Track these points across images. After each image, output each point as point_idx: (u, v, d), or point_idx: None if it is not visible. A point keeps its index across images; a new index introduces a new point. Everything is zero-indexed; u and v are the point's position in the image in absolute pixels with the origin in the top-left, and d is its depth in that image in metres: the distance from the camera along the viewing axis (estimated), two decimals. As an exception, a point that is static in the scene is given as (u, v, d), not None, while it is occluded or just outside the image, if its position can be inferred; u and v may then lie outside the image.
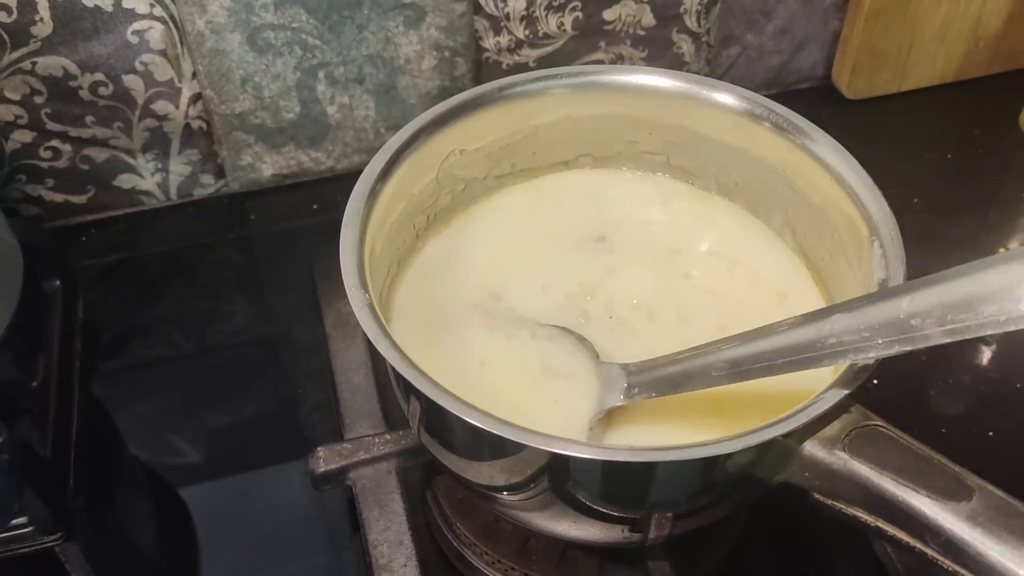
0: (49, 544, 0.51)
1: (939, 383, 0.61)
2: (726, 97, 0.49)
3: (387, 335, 0.39)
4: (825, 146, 0.47)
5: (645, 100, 0.50)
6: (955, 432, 0.58)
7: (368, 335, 0.39)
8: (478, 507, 0.50)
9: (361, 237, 0.43)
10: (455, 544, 0.51)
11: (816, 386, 0.39)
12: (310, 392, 0.62)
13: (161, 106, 0.68)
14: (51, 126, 0.66)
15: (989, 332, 0.33)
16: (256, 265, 0.72)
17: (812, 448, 0.37)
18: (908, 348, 0.35)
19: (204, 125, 0.70)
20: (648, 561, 0.47)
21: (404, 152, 0.47)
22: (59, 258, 0.61)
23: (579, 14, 0.72)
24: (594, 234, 0.53)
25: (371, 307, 0.40)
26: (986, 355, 0.64)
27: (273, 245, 0.72)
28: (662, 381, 0.42)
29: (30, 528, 0.50)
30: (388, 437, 0.52)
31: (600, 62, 0.75)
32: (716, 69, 0.79)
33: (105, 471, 0.58)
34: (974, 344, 0.64)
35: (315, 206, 0.73)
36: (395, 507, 0.49)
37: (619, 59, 0.76)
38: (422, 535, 0.51)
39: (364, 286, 0.41)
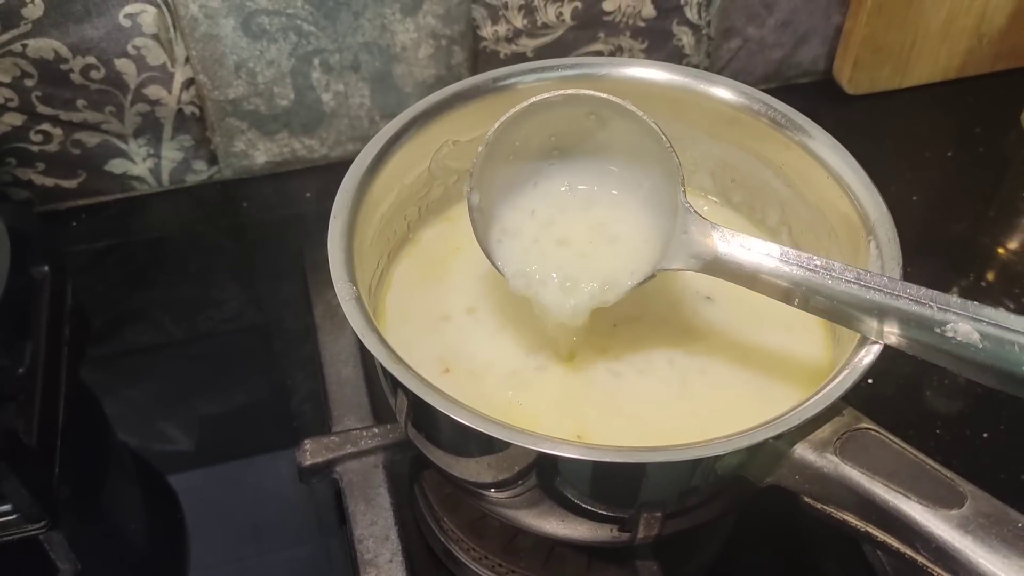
0: (33, 532, 0.51)
1: (934, 383, 0.61)
2: (723, 92, 0.48)
3: (374, 329, 0.38)
4: (823, 143, 0.46)
5: (640, 93, 0.49)
6: (949, 433, 0.58)
7: (355, 329, 0.38)
8: (466, 503, 0.50)
9: (350, 229, 0.43)
10: (442, 539, 0.51)
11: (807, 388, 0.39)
12: (301, 381, 0.61)
13: (153, 91, 0.67)
14: (42, 109, 0.66)
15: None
16: (248, 253, 0.72)
17: (803, 451, 0.37)
18: None
19: (197, 111, 0.69)
20: (636, 561, 0.47)
21: (396, 142, 0.46)
22: (48, 243, 0.61)
23: (578, 4, 0.71)
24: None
25: (358, 300, 0.39)
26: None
27: (265, 233, 0.71)
28: (743, 266, 0.40)
29: (14, 516, 0.50)
30: (376, 431, 0.51)
31: (599, 53, 0.74)
32: (716, 62, 0.78)
33: (93, 458, 0.58)
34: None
35: (308, 194, 0.73)
36: (382, 502, 0.49)
37: (618, 50, 0.75)
38: (409, 530, 0.51)
39: (352, 279, 0.40)
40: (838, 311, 0.39)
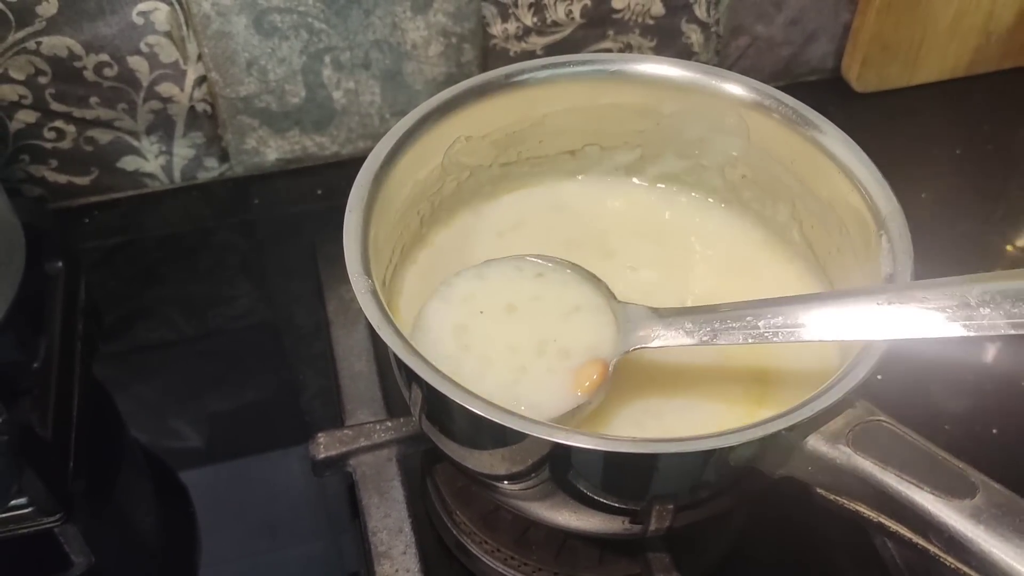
0: (49, 525, 0.51)
1: (943, 380, 0.61)
2: (735, 87, 0.49)
3: (390, 321, 0.39)
4: (834, 138, 0.47)
5: (653, 89, 0.49)
6: (958, 429, 0.58)
7: (370, 321, 0.39)
8: (478, 496, 0.50)
9: (365, 223, 0.43)
10: (455, 532, 0.51)
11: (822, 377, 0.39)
12: (312, 378, 0.62)
13: (166, 88, 0.67)
14: (55, 107, 0.66)
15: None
16: (259, 250, 0.72)
17: (816, 443, 0.37)
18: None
19: (209, 108, 0.70)
20: (648, 553, 0.47)
21: (409, 138, 0.47)
22: (62, 240, 0.61)
23: (587, 2, 0.71)
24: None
25: (374, 293, 0.40)
26: (991, 352, 0.63)
27: (276, 230, 0.72)
28: (699, 327, 0.41)
29: (30, 509, 0.50)
30: (389, 424, 0.51)
31: (608, 51, 0.75)
32: (725, 60, 0.78)
33: (106, 453, 0.58)
34: (979, 340, 0.64)
35: (319, 191, 0.73)
36: (395, 494, 0.49)
37: (627, 48, 0.75)
38: (422, 523, 0.51)
39: (367, 272, 0.41)
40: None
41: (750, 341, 0.40)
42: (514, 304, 0.45)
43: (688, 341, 0.41)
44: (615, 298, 0.44)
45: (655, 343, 0.42)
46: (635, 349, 0.42)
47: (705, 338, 0.41)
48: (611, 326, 0.43)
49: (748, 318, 0.40)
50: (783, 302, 0.40)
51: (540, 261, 0.46)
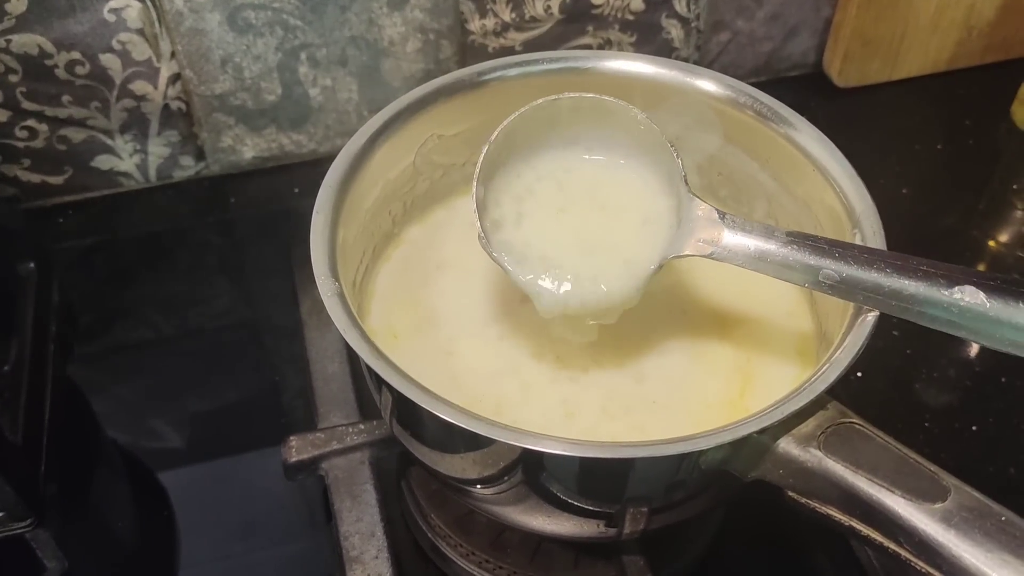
0: (20, 531, 0.51)
1: (923, 376, 0.61)
2: (708, 84, 0.48)
3: (357, 325, 0.38)
4: (809, 136, 0.46)
5: (625, 87, 0.49)
6: (938, 426, 0.58)
7: (336, 325, 0.38)
8: (452, 499, 0.50)
9: (333, 224, 0.42)
10: (429, 535, 0.50)
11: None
12: (290, 378, 0.61)
13: (139, 86, 0.67)
14: (27, 105, 0.65)
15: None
16: (236, 249, 0.71)
17: (787, 445, 0.36)
18: None
19: (183, 106, 0.69)
20: (623, 556, 0.47)
21: (379, 138, 0.46)
22: (34, 240, 0.61)
23: (566, -3, 0.71)
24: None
25: (341, 296, 0.39)
26: (972, 349, 0.63)
27: (253, 229, 0.71)
28: (759, 254, 0.40)
29: (0, 514, 0.50)
30: (362, 427, 0.51)
31: (588, 46, 0.74)
32: (706, 55, 0.78)
33: (81, 456, 0.58)
34: (959, 338, 0.64)
35: (296, 189, 0.72)
36: (368, 498, 0.49)
37: (607, 44, 0.75)
38: (396, 526, 0.51)
39: (335, 274, 0.40)
40: (844, 289, 0.39)
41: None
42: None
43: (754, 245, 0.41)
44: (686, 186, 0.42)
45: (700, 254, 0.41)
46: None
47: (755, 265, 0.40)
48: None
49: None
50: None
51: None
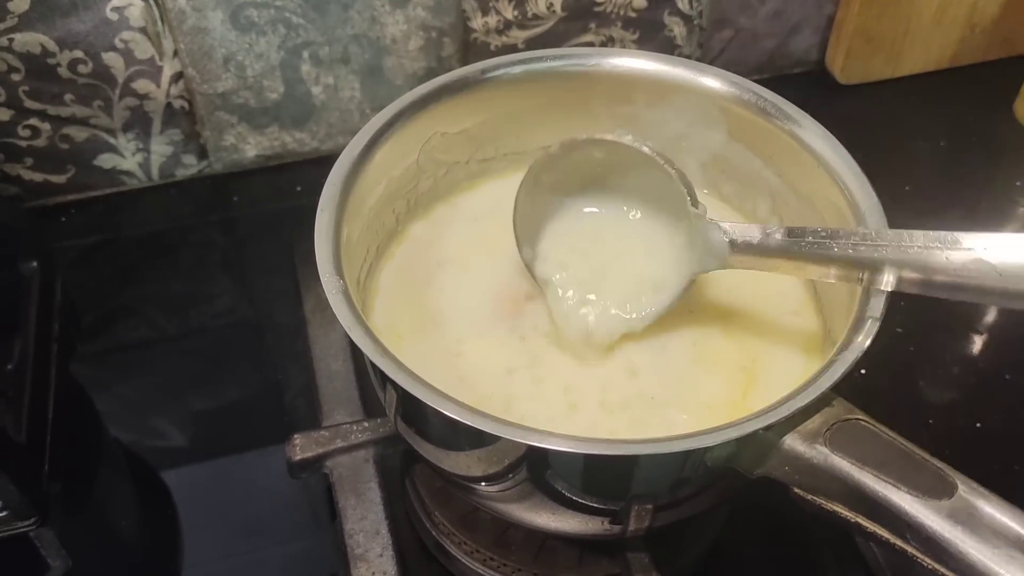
0: (23, 529, 0.51)
1: (928, 373, 0.61)
2: (712, 81, 0.48)
3: (361, 322, 0.38)
4: (814, 133, 0.46)
5: (628, 84, 0.49)
6: (942, 423, 0.58)
7: (341, 322, 0.38)
8: (457, 497, 0.50)
9: (338, 222, 0.42)
10: (433, 533, 0.50)
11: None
12: (294, 376, 0.61)
13: (142, 85, 0.67)
14: (29, 104, 0.65)
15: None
16: (239, 247, 0.71)
17: (793, 442, 0.36)
18: None
19: (186, 105, 0.69)
20: (628, 553, 0.47)
21: (383, 135, 0.46)
22: (37, 239, 0.61)
23: (569, -5, 0.71)
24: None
25: (345, 293, 0.39)
26: (976, 345, 0.63)
27: (256, 227, 0.71)
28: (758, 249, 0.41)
29: (4, 513, 0.50)
30: (366, 425, 0.51)
31: (590, 44, 0.74)
32: (708, 52, 0.78)
33: (84, 455, 0.58)
34: (964, 334, 0.64)
35: (299, 188, 0.72)
36: (372, 496, 0.49)
37: (609, 41, 0.75)
38: (400, 524, 0.51)
39: (339, 272, 0.40)
40: (853, 275, 0.39)
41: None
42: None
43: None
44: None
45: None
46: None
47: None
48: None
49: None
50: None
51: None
